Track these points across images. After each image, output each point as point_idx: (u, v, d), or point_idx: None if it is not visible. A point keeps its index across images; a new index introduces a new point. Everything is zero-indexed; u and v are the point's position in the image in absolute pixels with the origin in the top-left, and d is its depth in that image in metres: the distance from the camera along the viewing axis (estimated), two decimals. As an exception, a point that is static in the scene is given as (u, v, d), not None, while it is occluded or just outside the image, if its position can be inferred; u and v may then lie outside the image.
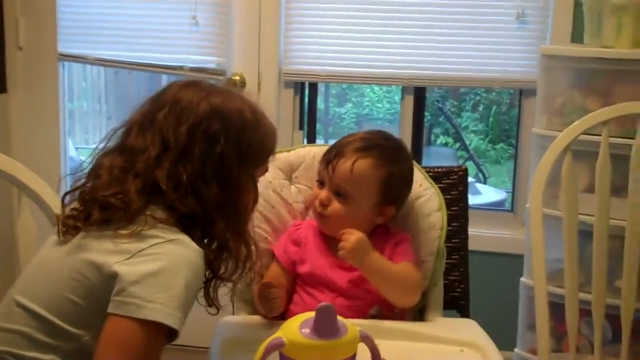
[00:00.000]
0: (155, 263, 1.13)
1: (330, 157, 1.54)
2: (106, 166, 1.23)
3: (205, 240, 1.25)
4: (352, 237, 1.47)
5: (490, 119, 5.40)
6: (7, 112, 2.65)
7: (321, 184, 1.56)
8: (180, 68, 2.57)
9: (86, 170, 1.27)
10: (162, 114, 1.23)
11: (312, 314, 1.00)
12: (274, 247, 1.61)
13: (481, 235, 2.39)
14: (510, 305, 2.33)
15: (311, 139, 2.73)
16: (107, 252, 1.15)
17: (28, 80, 2.67)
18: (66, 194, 1.28)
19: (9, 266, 1.61)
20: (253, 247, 1.30)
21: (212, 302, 1.30)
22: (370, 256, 1.48)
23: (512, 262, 2.43)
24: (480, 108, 5.44)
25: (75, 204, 1.24)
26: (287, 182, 1.69)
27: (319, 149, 1.67)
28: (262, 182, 1.64)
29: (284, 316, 1.53)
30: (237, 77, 2.58)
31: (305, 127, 2.72)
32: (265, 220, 1.63)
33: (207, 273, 1.26)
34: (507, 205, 3.74)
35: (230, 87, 1.36)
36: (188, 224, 1.21)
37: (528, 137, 2.44)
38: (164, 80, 4.54)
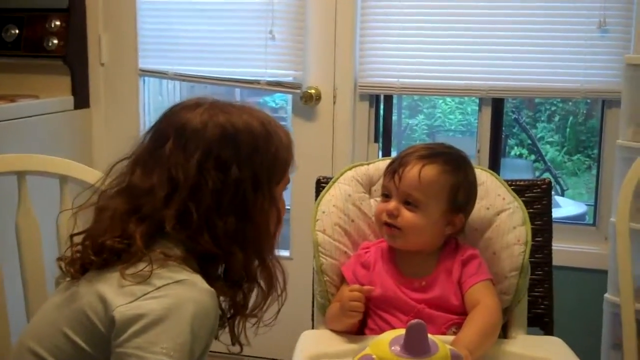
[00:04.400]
0: (160, 308, 1.05)
1: (395, 167, 1.52)
2: (109, 209, 1.16)
3: (227, 276, 1.18)
4: None
5: (567, 129, 5.27)
6: (90, 126, 2.74)
7: (386, 196, 1.54)
8: (257, 82, 2.60)
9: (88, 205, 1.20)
10: (168, 148, 1.14)
11: (403, 331, 0.99)
12: (343, 268, 1.60)
13: (561, 249, 2.33)
14: (591, 322, 2.26)
15: (386, 152, 2.72)
16: (111, 293, 1.08)
17: (110, 96, 2.75)
18: (72, 235, 1.20)
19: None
20: (278, 273, 1.21)
21: (236, 340, 1.23)
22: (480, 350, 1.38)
23: (594, 278, 2.36)
24: (556, 118, 5.32)
25: (79, 247, 1.18)
26: (366, 195, 1.68)
27: (399, 162, 1.66)
28: (342, 196, 1.65)
29: (359, 332, 1.53)
30: (313, 91, 2.59)
31: (380, 139, 2.71)
32: (345, 234, 1.63)
33: (230, 310, 1.20)
34: (588, 219, 3.64)
35: (233, 101, 1.24)
36: (205, 259, 1.15)
37: (611, 148, 2.37)
38: (238, 94, 4.61)
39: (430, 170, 1.50)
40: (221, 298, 1.17)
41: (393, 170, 1.52)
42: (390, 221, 1.51)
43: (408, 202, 1.50)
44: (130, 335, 1.04)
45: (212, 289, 1.11)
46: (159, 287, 1.07)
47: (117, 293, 1.08)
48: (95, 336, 1.09)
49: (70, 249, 1.19)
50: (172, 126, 1.17)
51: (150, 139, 1.19)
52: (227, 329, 1.22)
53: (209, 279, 1.13)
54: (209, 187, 1.12)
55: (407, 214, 1.50)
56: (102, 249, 1.13)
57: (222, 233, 1.13)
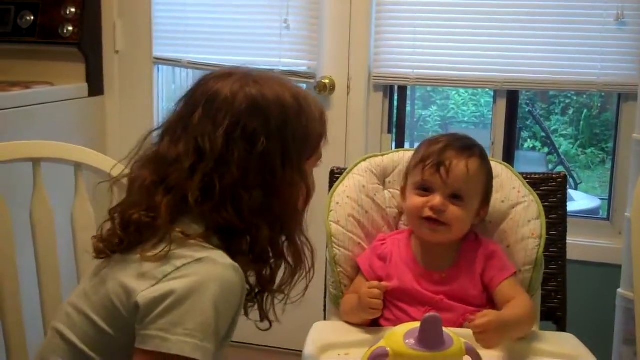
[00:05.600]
0: (181, 288, 1.04)
1: (438, 161, 1.49)
2: (138, 179, 1.15)
3: (252, 251, 1.16)
4: (483, 319, 1.34)
5: (581, 122, 5.24)
6: (104, 114, 2.74)
7: (425, 190, 1.52)
8: (271, 71, 2.58)
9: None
10: (197, 117, 1.12)
11: (417, 324, 0.99)
12: (358, 260, 1.59)
13: (575, 243, 2.31)
14: (603, 317, 2.25)
15: (399, 143, 2.71)
16: (133, 279, 1.08)
17: (124, 83, 2.75)
18: (110, 210, 1.18)
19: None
20: (306, 250, 1.19)
21: (265, 316, 1.21)
22: (506, 328, 1.38)
23: (608, 272, 2.34)
24: (570, 111, 5.29)
25: (109, 225, 1.17)
26: (380, 186, 1.68)
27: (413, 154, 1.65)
28: (356, 187, 1.65)
29: (374, 323, 1.53)
30: (327, 81, 2.58)
31: (394, 130, 2.70)
32: (358, 226, 1.62)
33: (258, 286, 1.19)
34: (602, 213, 3.62)
35: (268, 72, 1.21)
36: (229, 235, 1.13)
37: (626, 142, 2.35)
38: (250, 82, 4.61)
39: (475, 163, 1.51)
40: (249, 274, 1.16)
41: (436, 164, 1.49)
42: (436, 217, 1.49)
43: (455, 196, 1.49)
44: (154, 317, 1.04)
45: (235, 263, 1.09)
46: (179, 267, 1.06)
47: (139, 278, 1.08)
48: (120, 321, 1.09)
49: (103, 225, 1.18)
50: (202, 95, 1.14)
51: (180, 108, 1.17)
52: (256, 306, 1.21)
53: (233, 253, 1.11)
54: (235, 158, 1.10)
55: (453, 209, 1.49)
56: (128, 223, 1.12)
57: (246, 206, 1.10)
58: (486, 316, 1.34)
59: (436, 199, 1.49)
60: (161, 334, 1.03)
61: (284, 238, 1.17)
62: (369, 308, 1.46)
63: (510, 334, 1.39)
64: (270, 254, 1.17)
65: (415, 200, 1.52)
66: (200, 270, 1.06)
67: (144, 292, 1.06)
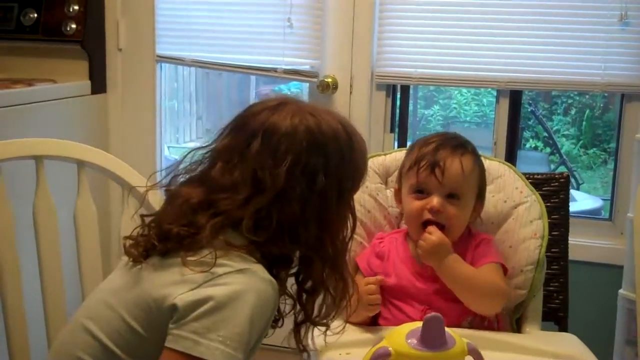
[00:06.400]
0: (220, 296, 1.05)
1: (433, 161, 1.50)
2: (183, 196, 1.15)
3: (301, 284, 1.18)
4: (432, 237, 1.45)
5: (583, 123, 5.23)
6: (106, 112, 2.74)
7: (421, 192, 1.52)
8: (274, 70, 2.59)
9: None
10: (255, 147, 1.13)
11: (419, 324, 0.99)
12: (357, 259, 1.60)
13: (577, 244, 2.31)
14: (605, 317, 2.25)
15: (402, 142, 2.70)
16: (173, 282, 1.09)
17: (127, 81, 2.75)
18: (143, 215, 1.20)
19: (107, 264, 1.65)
20: (349, 282, 1.21)
21: (303, 347, 1.22)
22: (448, 258, 1.45)
23: (610, 273, 2.34)
24: (573, 111, 5.29)
25: (142, 230, 1.18)
26: (383, 186, 1.68)
27: (416, 153, 1.65)
28: (358, 186, 1.65)
29: (373, 323, 1.53)
30: (330, 80, 2.57)
31: (396, 129, 2.69)
32: (361, 225, 1.62)
33: (300, 316, 1.21)
34: (604, 213, 3.61)
35: (314, 103, 1.24)
36: (274, 262, 1.14)
37: (629, 143, 2.35)
38: (252, 81, 4.61)
39: (468, 160, 1.52)
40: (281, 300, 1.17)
41: (431, 165, 1.49)
42: (435, 218, 1.49)
43: (451, 196, 1.49)
44: (189, 320, 1.04)
45: (273, 279, 1.10)
46: (220, 275, 1.07)
47: (179, 282, 1.08)
48: (154, 323, 1.09)
49: (137, 229, 1.18)
50: (258, 125, 1.15)
51: (232, 135, 1.17)
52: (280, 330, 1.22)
53: (277, 280, 1.12)
54: (296, 194, 1.11)
55: (451, 209, 1.49)
56: (167, 236, 1.12)
57: (304, 241, 1.13)
58: (440, 236, 1.44)
59: (434, 201, 1.49)
60: (194, 337, 1.03)
61: (329, 271, 1.18)
62: (368, 304, 1.46)
63: (447, 271, 1.45)
64: (318, 287, 1.18)
65: (413, 204, 1.52)
66: (241, 280, 1.07)
67: (183, 294, 1.06)
